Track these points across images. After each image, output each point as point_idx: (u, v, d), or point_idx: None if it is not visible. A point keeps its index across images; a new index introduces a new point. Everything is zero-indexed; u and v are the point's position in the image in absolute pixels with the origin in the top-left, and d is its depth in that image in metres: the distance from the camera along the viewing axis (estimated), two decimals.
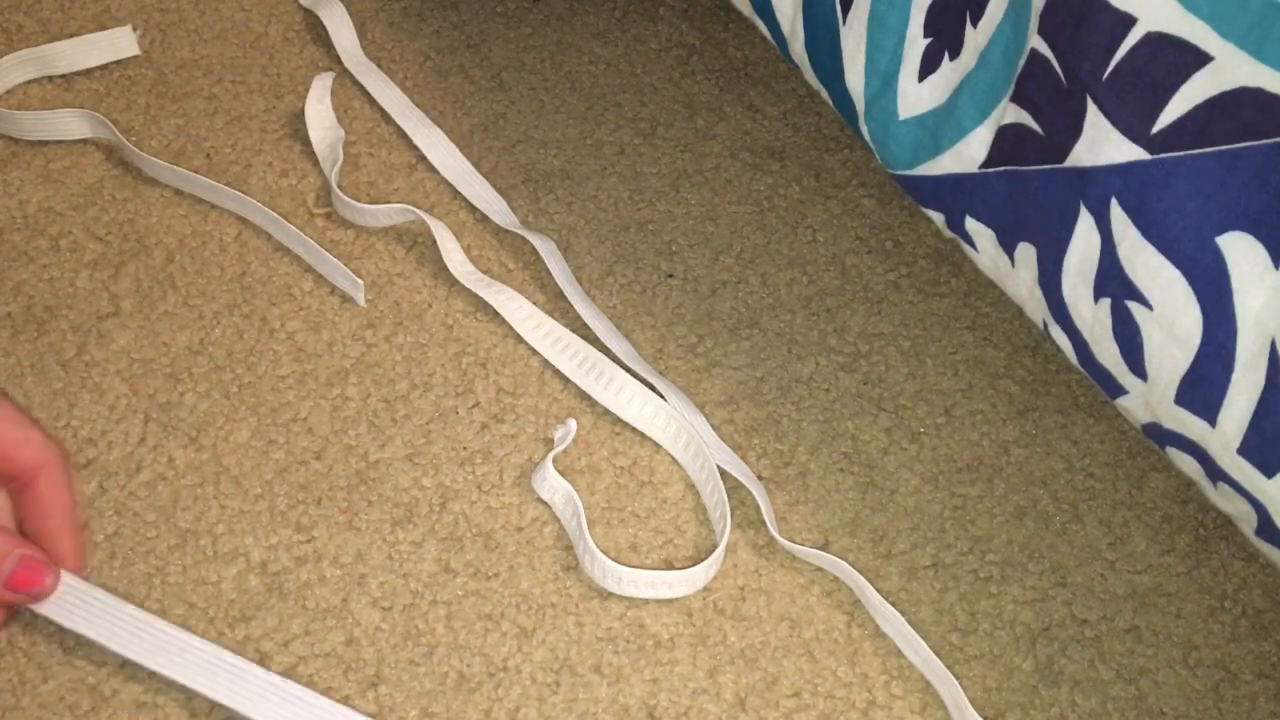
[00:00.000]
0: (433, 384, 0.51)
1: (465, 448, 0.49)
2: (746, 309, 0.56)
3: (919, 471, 0.51)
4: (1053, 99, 0.40)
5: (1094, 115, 0.38)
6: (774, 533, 0.47)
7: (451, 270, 0.54)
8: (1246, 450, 0.38)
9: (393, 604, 0.45)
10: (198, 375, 0.51)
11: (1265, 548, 0.42)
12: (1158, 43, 0.36)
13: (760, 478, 0.50)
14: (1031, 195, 0.42)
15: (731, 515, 0.47)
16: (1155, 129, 0.37)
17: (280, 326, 0.53)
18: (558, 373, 0.52)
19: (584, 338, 0.53)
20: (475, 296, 0.54)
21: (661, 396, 0.51)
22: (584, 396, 0.51)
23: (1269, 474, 0.37)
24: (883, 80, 0.47)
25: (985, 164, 0.44)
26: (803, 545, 0.47)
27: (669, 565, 0.47)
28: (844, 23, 0.48)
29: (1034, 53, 0.40)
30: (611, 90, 0.64)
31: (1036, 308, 0.45)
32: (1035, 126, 0.41)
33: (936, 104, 0.45)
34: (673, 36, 0.68)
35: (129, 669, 0.42)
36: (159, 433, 0.49)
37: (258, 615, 0.44)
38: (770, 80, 0.66)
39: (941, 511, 0.50)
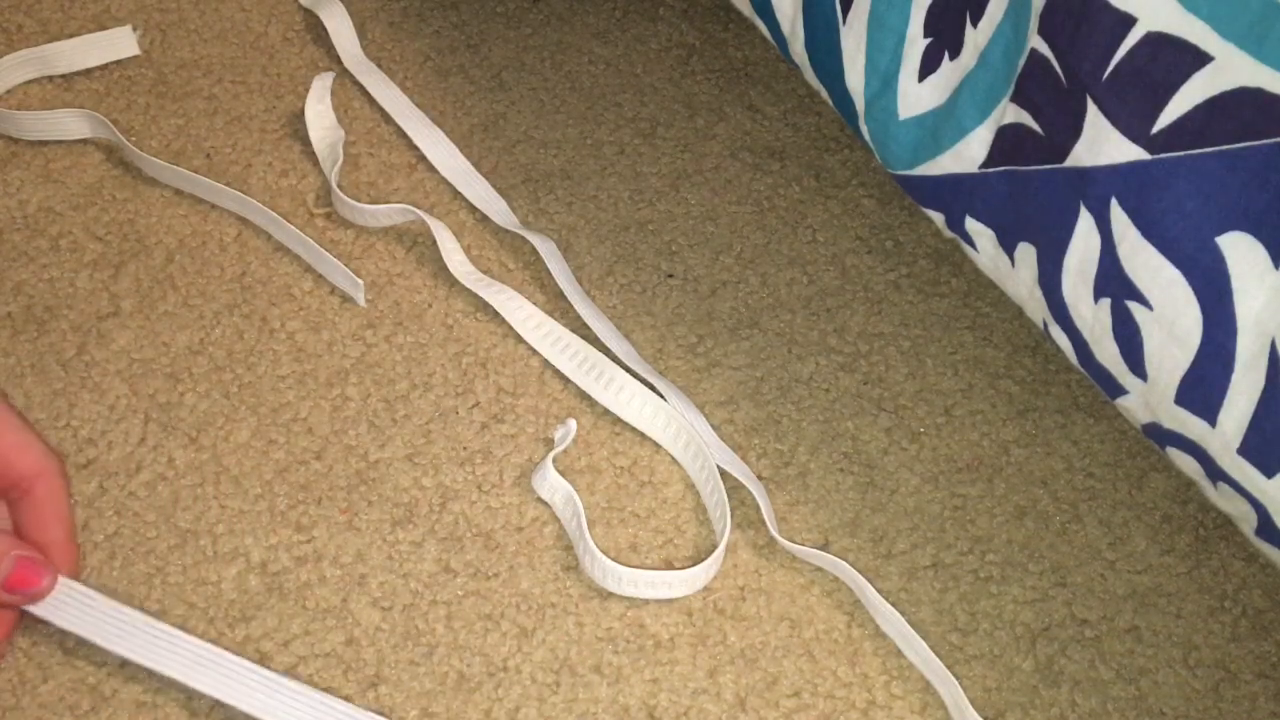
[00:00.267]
0: (433, 384, 0.51)
1: (465, 448, 0.49)
2: (746, 309, 0.56)
3: (919, 471, 0.51)
4: (1053, 99, 0.40)
5: (1094, 115, 0.38)
6: (774, 533, 0.47)
7: (451, 270, 0.54)
8: (1246, 450, 0.38)
9: (393, 604, 0.45)
10: (198, 375, 0.51)
11: (1265, 548, 0.42)
12: (1158, 43, 0.36)
13: (760, 478, 0.50)
14: (1031, 195, 0.42)
15: (731, 515, 0.47)
16: (1155, 129, 0.37)
17: (280, 326, 0.53)
18: (558, 373, 0.52)
19: (584, 338, 0.53)
20: (475, 296, 0.54)
21: (661, 396, 0.51)
22: (584, 396, 0.51)
23: (1269, 474, 0.37)
24: (883, 80, 0.47)
25: (985, 164, 0.44)
26: (803, 545, 0.47)
27: (669, 565, 0.47)
28: (844, 23, 0.48)
29: (1034, 53, 0.40)
30: (611, 90, 0.64)
31: (1036, 308, 0.45)
32: (1035, 126, 0.41)
33: (936, 104, 0.45)
34: (673, 36, 0.68)
35: (129, 669, 0.42)
36: (159, 433, 0.49)
37: (258, 615, 0.44)
38: (770, 80, 0.66)
39: (941, 511, 0.50)
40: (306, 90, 0.61)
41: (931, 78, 0.45)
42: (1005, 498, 0.50)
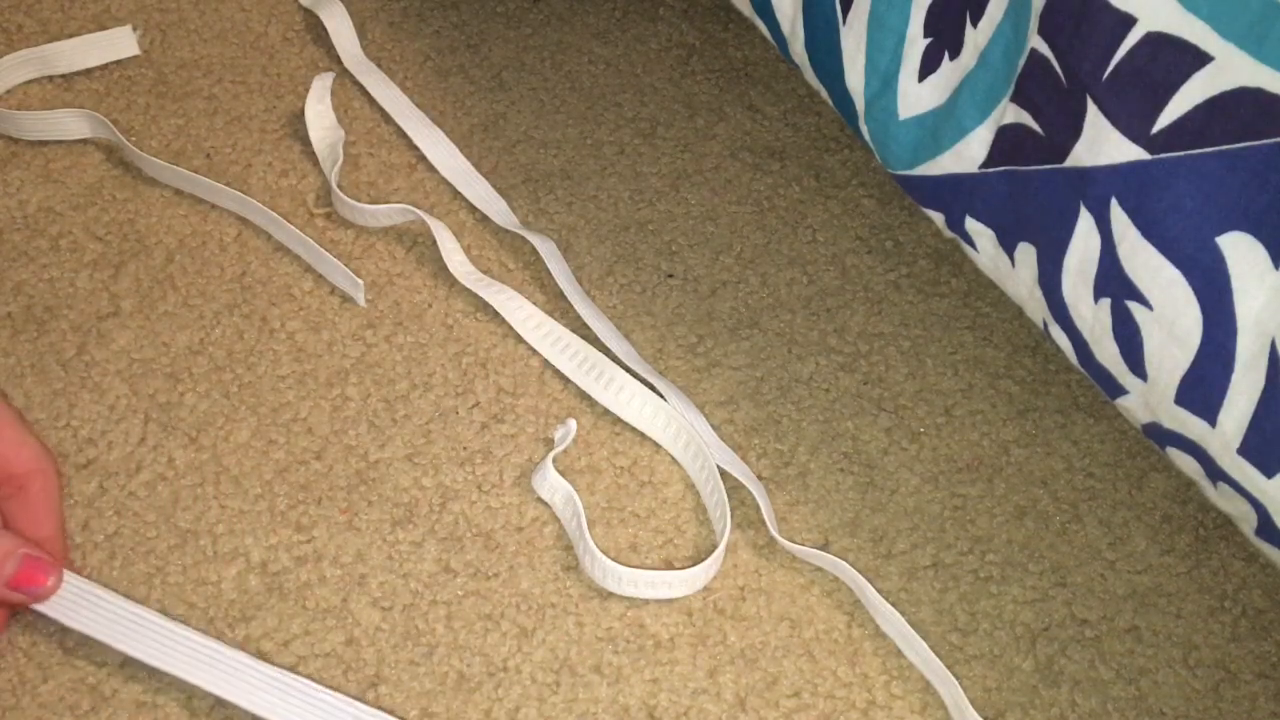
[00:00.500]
0: (433, 384, 0.51)
1: (465, 448, 0.49)
2: (746, 309, 0.56)
3: (919, 471, 0.51)
4: (1053, 99, 0.40)
5: (1094, 115, 0.38)
6: (774, 533, 0.47)
7: (451, 270, 0.54)
8: (1246, 450, 0.38)
9: (393, 604, 0.45)
10: (198, 375, 0.51)
11: (1265, 548, 0.42)
12: (1158, 43, 0.36)
13: (760, 478, 0.50)
14: (1031, 195, 0.42)
15: (731, 515, 0.47)
16: (1155, 129, 0.37)
17: (280, 326, 0.53)
18: (558, 373, 0.52)
19: (584, 338, 0.53)
20: (475, 296, 0.54)
21: (661, 396, 0.51)
22: (584, 396, 0.51)
23: (1269, 474, 0.37)
24: (883, 80, 0.47)
25: (985, 164, 0.44)
26: (803, 545, 0.47)
27: (669, 565, 0.47)
28: (844, 23, 0.48)
29: (1034, 53, 0.40)
30: (611, 90, 0.64)
31: (1036, 308, 0.45)
32: (1035, 126, 0.41)
33: (936, 104, 0.45)
34: (673, 36, 0.68)
35: (129, 669, 0.42)
36: (159, 433, 0.49)
37: (258, 615, 0.44)
38: (770, 80, 0.66)
39: (941, 511, 0.50)
40: (306, 90, 0.61)
41: (931, 78, 0.45)
42: (1005, 498, 0.50)
